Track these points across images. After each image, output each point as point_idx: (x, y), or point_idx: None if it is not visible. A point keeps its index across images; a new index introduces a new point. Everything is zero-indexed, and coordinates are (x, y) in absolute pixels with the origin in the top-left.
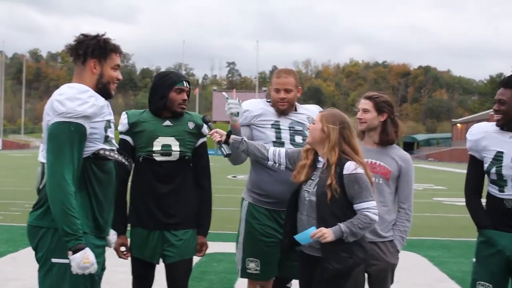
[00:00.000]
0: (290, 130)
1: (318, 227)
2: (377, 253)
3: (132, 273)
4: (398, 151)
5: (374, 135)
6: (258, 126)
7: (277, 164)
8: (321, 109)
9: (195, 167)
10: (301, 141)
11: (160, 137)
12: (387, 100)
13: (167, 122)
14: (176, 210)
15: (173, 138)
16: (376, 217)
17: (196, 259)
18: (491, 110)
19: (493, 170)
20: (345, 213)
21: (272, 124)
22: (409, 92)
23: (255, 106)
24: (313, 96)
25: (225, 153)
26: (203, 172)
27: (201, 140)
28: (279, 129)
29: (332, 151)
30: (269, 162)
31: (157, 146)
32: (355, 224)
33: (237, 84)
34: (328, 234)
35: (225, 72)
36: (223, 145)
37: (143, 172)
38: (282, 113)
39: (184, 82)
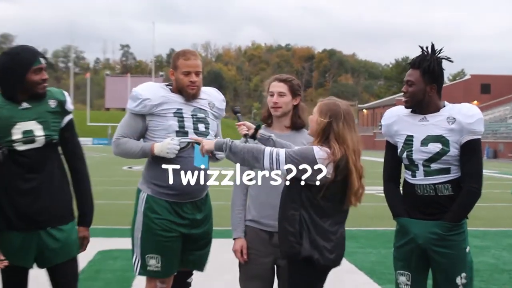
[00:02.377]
0: (193, 118)
1: None
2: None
3: (2, 282)
4: (306, 135)
5: (285, 120)
6: (159, 116)
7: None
8: (218, 92)
9: (64, 151)
10: (204, 129)
11: (19, 123)
12: (298, 83)
13: (25, 105)
14: (49, 203)
15: (34, 121)
16: (267, 152)
17: (89, 256)
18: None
19: (405, 154)
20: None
21: (174, 113)
22: (314, 77)
23: (155, 94)
24: (213, 80)
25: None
26: (74, 154)
27: (66, 119)
28: (182, 117)
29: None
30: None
31: (17, 134)
32: (242, 146)
33: (132, 68)
34: (205, 142)
35: (118, 55)
36: (249, 139)
37: (5, 167)
38: (192, 97)
39: (41, 59)
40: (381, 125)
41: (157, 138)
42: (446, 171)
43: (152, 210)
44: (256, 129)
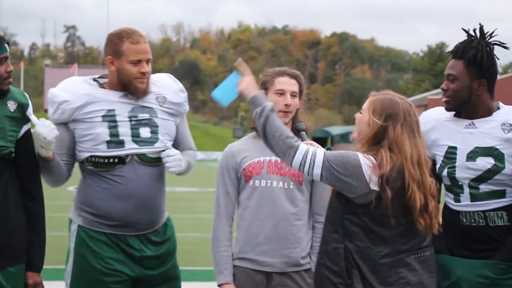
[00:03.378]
0: (131, 121)
1: None
2: (286, 285)
3: None
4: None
5: (288, 124)
6: (83, 121)
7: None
8: (173, 79)
9: (18, 168)
10: (148, 134)
11: None
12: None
13: None
14: (2, 234)
15: None
16: (303, 150)
17: None
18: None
19: (445, 172)
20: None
21: (103, 116)
22: (320, 69)
23: (75, 93)
24: (187, 73)
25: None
26: (30, 175)
27: (24, 128)
28: (115, 121)
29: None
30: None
31: None
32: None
33: (80, 56)
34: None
35: (62, 39)
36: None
37: None
38: (143, 94)
39: (6, 45)
40: None
41: (84, 152)
42: (500, 194)
43: (85, 245)
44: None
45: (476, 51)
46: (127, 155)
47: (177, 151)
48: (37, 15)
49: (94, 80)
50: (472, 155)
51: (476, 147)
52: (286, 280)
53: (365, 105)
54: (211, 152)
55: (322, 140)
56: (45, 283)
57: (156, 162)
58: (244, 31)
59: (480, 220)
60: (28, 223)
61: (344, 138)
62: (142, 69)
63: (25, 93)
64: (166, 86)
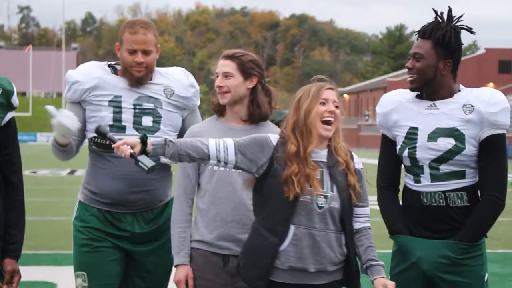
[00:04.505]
0: (135, 109)
1: (347, 242)
2: None
3: None
4: (273, 129)
5: (241, 109)
6: (92, 103)
7: (222, 163)
8: (187, 74)
9: (1, 158)
10: (150, 123)
11: None
12: (254, 59)
13: None
14: None
15: None
16: None
17: None
18: (390, 74)
19: (406, 152)
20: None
21: (110, 101)
22: (279, 51)
23: (88, 75)
24: None
25: (147, 168)
26: (10, 163)
27: (8, 116)
28: (120, 107)
29: (339, 135)
30: (211, 162)
31: None
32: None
33: (35, 38)
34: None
35: (16, 20)
36: (139, 158)
37: None
38: (137, 82)
39: None
40: (367, 115)
41: (89, 132)
42: (460, 175)
43: (80, 219)
44: (143, 142)
45: (445, 32)
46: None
47: None
48: None
49: (110, 66)
50: (433, 136)
51: (437, 128)
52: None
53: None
54: None
55: (278, 124)
56: (38, 267)
57: None
58: (202, 13)
59: (441, 201)
60: (6, 211)
61: None
62: (137, 59)
63: (10, 80)
64: (176, 80)
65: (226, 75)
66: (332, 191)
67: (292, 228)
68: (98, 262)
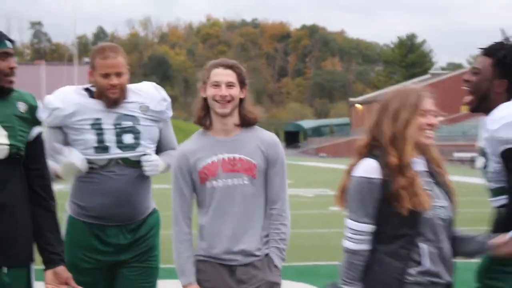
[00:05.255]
0: (116, 128)
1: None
2: (250, 274)
3: None
4: (259, 133)
5: (230, 119)
6: (74, 128)
7: None
8: (156, 88)
9: (29, 170)
10: (131, 140)
11: None
12: (245, 70)
13: None
14: (10, 235)
15: None
16: None
17: None
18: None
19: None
20: None
21: (91, 124)
22: (290, 62)
23: (67, 102)
24: (156, 68)
25: None
26: (42, 177)
27: (36, 131)
28: (101, 129)
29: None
30: None
31: None
32: None
33: (47, 53)
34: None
35: (28, 36)
36: None
37: None
38: (114, 103)
39: (7, 41)
40: None
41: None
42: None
43: (69, 234)
44: None
45: (507, 52)
46: (111, 159)
47: (156, 157)
48: (1, 11)
49: (86, 89)
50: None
51: (480, 148)
52: (249, 270)
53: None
54: None
55: (294, 134)
56: None
57: (138, 164)
58: (213, 25)
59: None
60: (44, 225)
61: (316, 131)
62: (111, 82)
63: (35, 96)
64: (148, 95)
65: (230, 85)
66: (445, 200)
67: (421, 246)
68: (93, 279)
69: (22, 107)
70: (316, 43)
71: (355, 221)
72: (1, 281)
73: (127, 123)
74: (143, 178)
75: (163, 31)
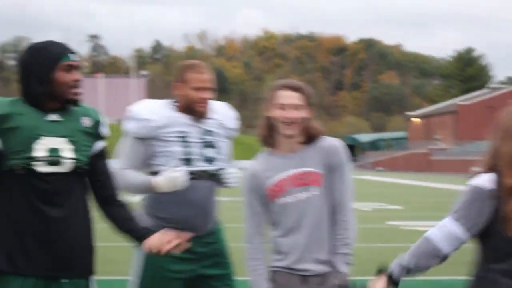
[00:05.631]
0: (201, 142)
1: None
2: (322, 283)
3: None
4: (322, 142)
5: (297, 137)
6: (162, 140)
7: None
8: (230, 108)
9: (94, 182)
10: (213, 155)
11: (44, 138)
12: (312, 90)
13: (54, 116)
14: (72, 247)
15: (64, 139)
16: None
17: None
18: (460, 98)
19: None
20: None
21: (179, 136)
22: (346, 75)
23: (158, 114)
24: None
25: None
26: (105, 189)
27: (99, 145)
28: (188, 141)
29: None
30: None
31: (40, 150)
32: None
33: (105, 66)
34: None
35: (86, 49)
36: None
37: (17, 192)
38: (200, 116)
39: (71, 54)
40: (438, 139)
41: (158, 165)
42: None
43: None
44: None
45: None
46: (195, 172)
47: (236, 170)
48: (61, 24)
49: (171, 103)
50: None
51: None
52: (321, 279)
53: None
54: (238, 161)
55: (350, 148)
56: None
57: (215, 177)
58: (269, 38)
59: None
60: (124, 219)
61: (373, 145)
62: (203, 95)
63: (98, 111)
64: (224, 114)
65: (297, 107)
66: None
67: None
68: None
69: (86, 122)
70: (372, 56)
71: (455, 223)
72: None
73: (210, 138)
74: (215, 190)
75: (220, 44)
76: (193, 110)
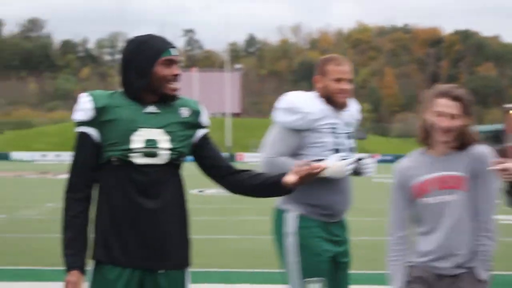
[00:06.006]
0: (345, 133)
1: None
2: (457, 286)
3: None
4: (471, 148)
5: (452, 142)
6: (318, 131)
7: None
8: (356, 101)
9: (208, 165)
10: (353, 145)
11: (141, 129)
12: (472, 99)
13: (151, 108)
14: (168, 239)
15: (161, 130)
16: None
17: None
18: None
19: None
20: None
21: (330, 128)
22: (442, 67)
23: (314, 106)
24: (307, 74)
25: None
26: (225, 163)
27: (201, 132)
28: (337, 133)
29: None
30: None
31: (137, 142)
32: None
33: (199, 60)
34: None
35: (181, 43)
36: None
37: (114, 183)
38: (341, 106)
39: (173, 49)
40: None
41: (311, 156)
42: None
43: (309, 230)
44: None
45: None
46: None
47: (372, 160)
48: (156, 19)
49: (317, 96)
50: None
51: None
52: (456, 281)
53: None
54: None
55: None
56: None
57: (355, 166)
58: (363, 31)
59: None
60: (259, 176)
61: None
62: (343, 86)
63: (198, 102)
64: (354, 107)
65: (453, 116)
66: None
67: None
68: (328, 272)
69: (185, 112)
70: (469, 48)
71: None
72: (158, 285)
73: (350, 129)
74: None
75: (314, 37)
76: (333, 101)
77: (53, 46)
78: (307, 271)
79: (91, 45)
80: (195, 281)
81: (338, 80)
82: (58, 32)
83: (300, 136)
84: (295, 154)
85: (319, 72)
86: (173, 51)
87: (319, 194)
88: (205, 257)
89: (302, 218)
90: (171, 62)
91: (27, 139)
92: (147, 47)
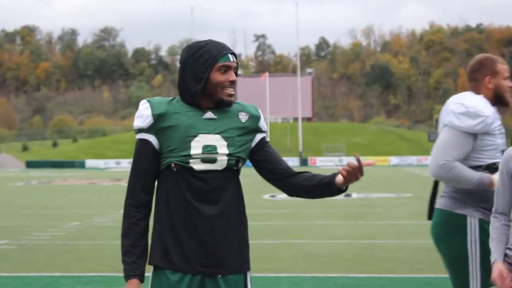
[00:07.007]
0: (503, 133)
1: None
2: None
3: None
4: None
5: None
6: (492, 134)
7: None
8: None
9: (267, 168)
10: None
11: (200, 135)
12: None
13: (209, 114)
14: (226, 244)
15: (219, 136)
16: None
17: None
18: None
19: None
20: None
21: (499, 129)
22: None
23: (490, 109)
24: (379, 76)
25: None
26: (285, 165)
27: (258, 136)
28: (502, 133)
29: None
30: None
31: (196, 148)
32: None
33: (270, 65)
34: None
35: (252, 49)
36: None
37: (173, 189)
38: (508, 105)
39: (230, 55)
40: None
41: (485, 159)
42: None
43: (486, 235)
44: None
45: None
46: None
47: None
48: (227, 25)
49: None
50: None
51: None
52: None
53: None
54: (406, 157)
55: None
56: None
57: None
58: (436, 32)
59: None
60: (315, 177)
61: None
62: (510, 84)
63: (255, 107)
64: None
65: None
66: None
67: None
68: None
69: (243, 117)
70: None
71: None
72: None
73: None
74: None
75: (385, 40)
76: (503, 100)
77: (126, 55)
78: (487, 278)
79: (163, 52)
80: (266, 285)
81: (507, 78)
82: (131, 41)
83: (475, 139)
84: (464, 157)
85: (488, 72)
86: (231, 57)
87: (488, 199)
88: (276, 261)
89: (482, 223)
90: (227, 68)
91: (101, 147)
92: (204, 52)
